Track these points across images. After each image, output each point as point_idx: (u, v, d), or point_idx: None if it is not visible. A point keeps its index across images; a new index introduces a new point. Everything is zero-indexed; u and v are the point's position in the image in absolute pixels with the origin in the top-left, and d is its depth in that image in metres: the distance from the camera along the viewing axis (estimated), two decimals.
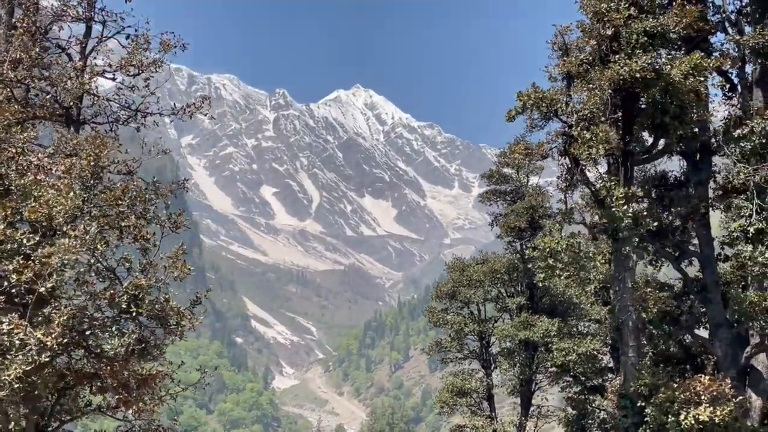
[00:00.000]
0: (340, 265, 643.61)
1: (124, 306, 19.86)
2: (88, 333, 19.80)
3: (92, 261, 19.87)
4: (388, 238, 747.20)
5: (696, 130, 30.08)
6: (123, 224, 21.32)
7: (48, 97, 26.86)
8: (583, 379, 39.48)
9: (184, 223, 21.42)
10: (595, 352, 39.91)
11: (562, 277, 23.70)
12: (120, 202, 21.58)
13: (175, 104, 29.76)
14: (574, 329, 44.41)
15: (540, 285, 46.82)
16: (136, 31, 28.33)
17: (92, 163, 20.03)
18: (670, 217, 31.74)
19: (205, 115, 29.43)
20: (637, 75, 24.19)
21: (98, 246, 19.70)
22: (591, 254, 23.57)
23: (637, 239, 27.20)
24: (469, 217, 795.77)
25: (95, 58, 27.62)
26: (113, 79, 28.32)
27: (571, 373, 39.11)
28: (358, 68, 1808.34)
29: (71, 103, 26.79)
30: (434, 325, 49.74)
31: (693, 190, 31.10)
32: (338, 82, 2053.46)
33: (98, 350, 19.61)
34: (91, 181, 20.60)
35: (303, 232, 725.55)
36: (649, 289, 26.90)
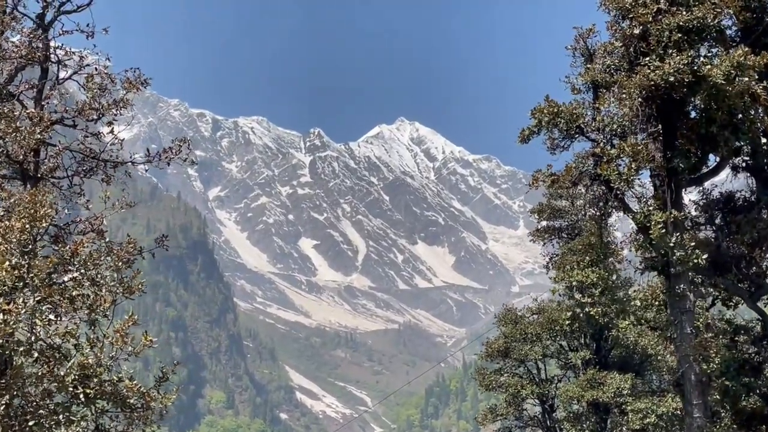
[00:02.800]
0: (393, 323, 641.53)
1: (70, 389, 19.32)
2: (31, 423, 19.29)
3: (32, 339, 19.41)
4: (447, 290, 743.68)
5: (763, 140, 28.90)
6: (75, 293, 20.87)
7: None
8: None
9: (140, 288, 20.76)
10: (680, 412, 38.25)
11: (591, 312, 22.70)
12: (69, 268, 21.19)
13: (148, 150, 29.47)
14: (652, 385, 42.95)
15: (607, 335, 45.54)
16: (96, 69, 28.34)
17: (27, 225, 19.66)
18: (741, 247, 30.38)
19: (184, 160, 28.99)
20: (671, 79, 23.32)
21: (38, 321, 19.26)
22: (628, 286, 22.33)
23: (693, 274, 26.02)
24: (539, 260, 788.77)
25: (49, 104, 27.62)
26: (73, 126, 28.26)
27: None
28: (400, 99, 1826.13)
29: (24, 157, 26.72)
30: (486, 388, 48.59)
31: (765, 213, 29.85)
32: (379, 116, 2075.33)
33: None
34: (30, 246, 20.24)
35: (349, 288, 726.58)
36: (709, 335, 25.62)
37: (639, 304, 28.58)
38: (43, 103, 27.92)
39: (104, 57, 28.66)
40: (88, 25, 28.03)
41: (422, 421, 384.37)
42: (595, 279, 22.44)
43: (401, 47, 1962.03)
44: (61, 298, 20.43)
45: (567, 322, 43.21)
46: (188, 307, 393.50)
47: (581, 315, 44.51)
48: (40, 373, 19.36)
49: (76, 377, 19.38)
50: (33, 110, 27.34)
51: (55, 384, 19.57)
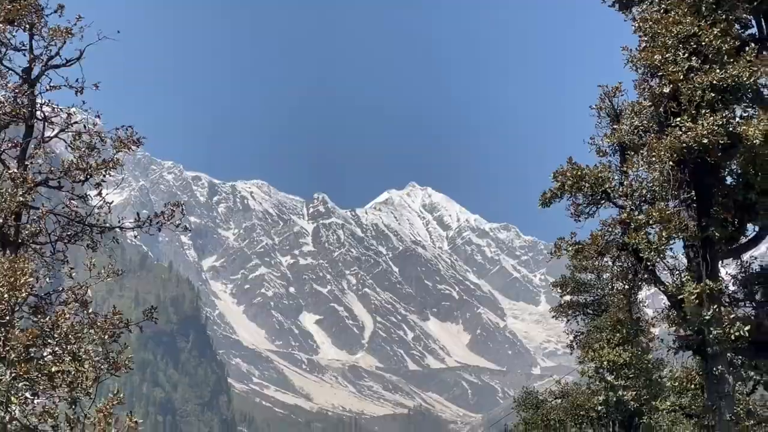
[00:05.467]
0: (402, 408, 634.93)
1: None
2: None
3: (6, 418, 19.25)
4: (462, 371, 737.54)
5: None
6: (54, 369, 20.78)
7: None
8: None
9: (126, 364, 20.66)
10: None
11: (625, 396, 22.37)
12: (49, 341, 21.15)
13: (138, 214, 29.56)
14: None
15: (638, 422, 44.95)
16: (85, 127, 28.62)
17: (6, 295, 19.68)
18: None
19: (177, 226, 29.06)
20: (705, 141, 23.41)
21: (13, 399, 19.14)
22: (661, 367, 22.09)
23: (732, 355, 25.77)
24: (563, 338, 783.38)
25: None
26: (58, 188, 28.41)
27: None
28: (411, 163, 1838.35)
29: (5, 221, 26.82)
30: None
31: None
32: (388, 180, 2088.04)
33: None
34: (7, 317, 20.23)
35: (354, 368, 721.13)
36: (751, 422, 25.31)
37: (673, 387, 28.21)
38: (26, 162, 28.09)
39: (94, 114, 28.90)
40: (77, 81, 28.33)
41: None
42: (627, 359, 22.23)
43: (413, 108, 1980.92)
44: (40, 375, 20.32)
45: (599, 407, 42.69)
46: (178, 388, 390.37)
47: (613, 399, 44.11)
48: None
49: None
50: (15, 170, 27.51)
51: None
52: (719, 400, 25.58)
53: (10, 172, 27.55)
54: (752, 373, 29.94)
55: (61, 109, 28.87)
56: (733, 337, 24.50)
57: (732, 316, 25.08)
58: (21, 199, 26.68)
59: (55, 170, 27.82)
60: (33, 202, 27.50)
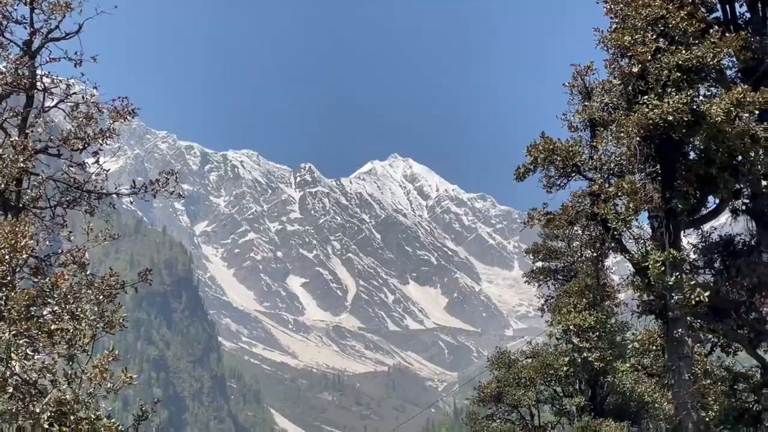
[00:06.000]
0: (383, 366, 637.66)
1: (46, 426, 19.10)
2: None
3: (7, 373, 19.22)
4: (439, 332, 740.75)
5: (763, 183, 29.02)
6: (53, 327, 20.73)
7: None
8: None
9: (121, 323, 20.63)
10: None
11: (590, 358, 22.55)
12: (49, 301, 21.10)
13: (134, 181, 29.39)
14: None
15: (603, 381, 45.34)
16: (83, 98, 28.40)
17: (7, 257, 19.57)
18: (740, 292, 30.41)
19: (171, 193, 28.95)
20: (670, 118, 23.44)
21: (13, 355, 19.08)
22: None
23: (692, 319, 25.99)
24: (534, 302, 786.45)
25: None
26: (57, 155, 28.24)
27: None
28: (393, 135, 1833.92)
29: (6, 186, 26.63)
30: None
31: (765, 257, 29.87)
32: (372, 152, 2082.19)
33: None
34: (8, 278, 20.13)
35: (338, 328, 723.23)
36: (708, 382, 25.54)
37: (637, 348, 28.45)
38: (27, 131, 27.92)
39: (91, 86, 28.75)
40: (76, 53, 28.11)
41: None
42: (592, 322, 22.39)
43: (396, 83, 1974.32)
44: (39, 332, 20.29)
45: (566, 367, 43.04)
46: (171, 346, 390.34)
47: (578, 360, 44.47)
48: (14, 410, 19.12)
49: (52, 414, 19.15)
50: (17, 138, 27.33)
51: (30, 421, 19.34)
52: (679, 361, 25.79)
53: (11, 139, 27.36)
54: (710, 336, 30.23)
55: (60, 80, 28.67)
56: (692, 303, 24.69)
57: (692, 282, 25.24)
58: (22, 165, 26.50)
59: (55, 139, 27.67)
60: (33, 168, 27.34)
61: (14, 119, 28.09)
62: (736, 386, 30.88)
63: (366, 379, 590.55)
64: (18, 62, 27.82)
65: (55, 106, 28.66)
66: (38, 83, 28.51)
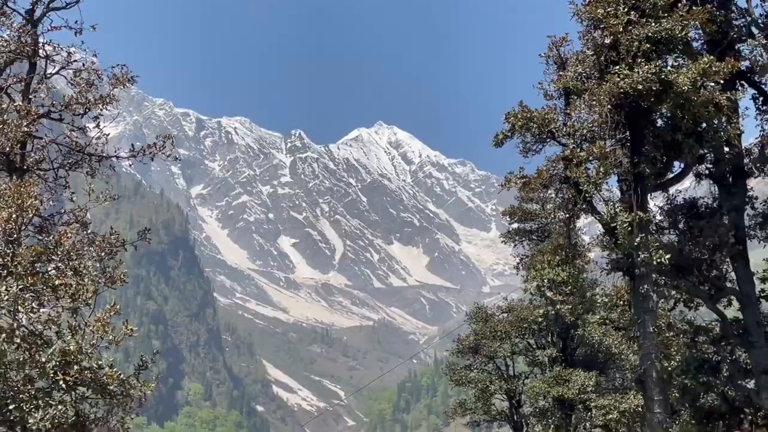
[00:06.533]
0: (368, 320, 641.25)
1: (51, 374, 19.17)
2: (11, 407, 19.11)
3: (14, 325, 19.23)
4: (421, 289, 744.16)
5: (725, 149, 29.13)
6: (58, 282, 20.71)
7: None
8: None
9: (122, 278, 20.64)
10: (641, 409, 38.50)
11: (562, 310, 22.83)
12: (53, 257, 21.07)
13: (133, 146, 29.27)
14: (615, 383, 43.14)
15: (573, 333, 45.76)
16: (83, 65, 28.16)
17: (13, 215, 19.50)
18: (702, 251, 30.64)
19: (168, 156, 28.83)
20: (640, 87, 23.45)
21: (20, 308, 19.10)
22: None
23: (657, 276, 26.19)
24: (510, 261, 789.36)
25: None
26: (59, 120, 28.04)
27: None
28: (379, 104, 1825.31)
29: (11, 149, 26.46)
30: (456, 383, 48.73)
31: (726, 219, 30.09)
32: (358, 119, 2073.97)
33: (21, 425, 18.91)
34: (15, 235, 20.07)
35: (326, 285, 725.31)
36: (671, 334, 25.80)
37: (605, 302, 28.69)
38: (30, 96, 27.71)
39: (91, 54, 28.54)
40: (76, 22, 27.86)
41: (394, 414, 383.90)
42: (565, 277, 22.58)
43: (381, 53, 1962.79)
44: (44, 287, 20.29)
45: (539, 319, 43.41)
46: (169, 301, 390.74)
47: (552, 312, 44.86)
48: (21, 359, 19.19)
49: (57, 363, 19.23)
50: (20, 103, 27.14)
51: (37, 370, 19.43)
52: (644, 315, 26.01)
53: (15, 104, 27.15)
54: (674, 292, 30.51)
55: (61, 48, 28.42)
56: (657, 261, 24.89)
57: (657, 243, 25.40)
58: (26, 129, 26.33)
59: (57, 104, 27.47)
60: (37, 132, 27.19)
61: (18, 85, 27.87)
62: (697, 339, 31.21)
63: (352, 332, 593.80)
64: (21, 30, 27.54)
65: (57, 72, 28.45)
66: (40, 51, 28.24)
